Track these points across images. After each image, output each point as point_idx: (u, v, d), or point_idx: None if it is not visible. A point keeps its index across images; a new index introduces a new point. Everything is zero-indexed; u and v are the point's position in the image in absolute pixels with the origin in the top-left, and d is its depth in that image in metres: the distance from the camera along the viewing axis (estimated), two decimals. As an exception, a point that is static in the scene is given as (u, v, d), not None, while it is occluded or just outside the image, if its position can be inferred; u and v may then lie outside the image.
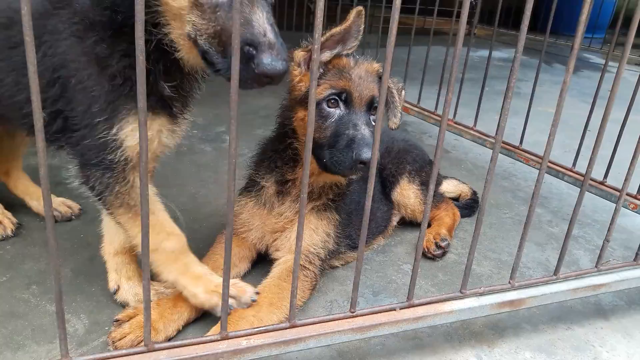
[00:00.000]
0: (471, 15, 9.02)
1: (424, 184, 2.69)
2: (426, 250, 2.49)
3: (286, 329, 1.61)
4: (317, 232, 2.13)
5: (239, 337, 1.56)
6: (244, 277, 2.20)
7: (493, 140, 3.37)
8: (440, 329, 2.01)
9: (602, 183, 2.87)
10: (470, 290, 1.84)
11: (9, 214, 2.39)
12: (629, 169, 1.99)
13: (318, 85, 1.91)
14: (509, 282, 1.89)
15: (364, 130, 1.85)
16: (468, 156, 3.84)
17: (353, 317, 1.69)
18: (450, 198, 3.01)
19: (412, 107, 4.06)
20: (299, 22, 6.95)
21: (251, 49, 1.34)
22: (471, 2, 7.53)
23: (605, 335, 2.06)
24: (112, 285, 1.99)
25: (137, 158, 1.61)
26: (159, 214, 1.76)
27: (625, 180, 1.99)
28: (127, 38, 1.50)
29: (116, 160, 1.61)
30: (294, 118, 2.01)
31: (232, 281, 1.96)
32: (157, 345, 1.50)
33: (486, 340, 1.97)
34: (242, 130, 3.82)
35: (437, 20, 4.03)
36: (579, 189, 1.96)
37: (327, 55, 1.94)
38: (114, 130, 1.57)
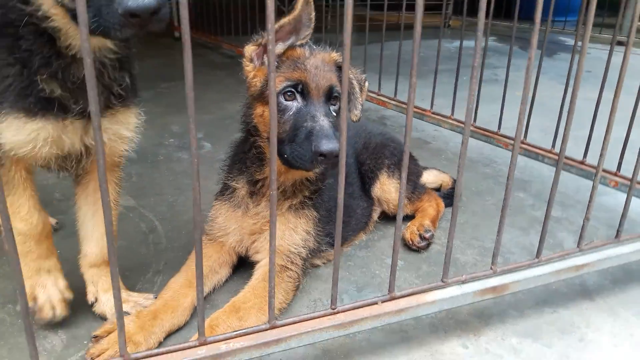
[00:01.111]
0: (445, 7, 9.06)
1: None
2: (410, 242, 2.47)
3: (266, 330, 1.58)
4: (297, 231, 2.10)
5: (218, 341, 1.53)
6: (227, 283, 2.17)
7: (469, 127, 3.37)
8: (425, 320, 1.99)
9: (582, 162, 2.87)
10: (452, 279, 1.82)
11: None
12: (603, 145, 1.98)
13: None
14: (491, 268, 1.87)
15: (323, 122, 1.81)
16: (449, 146, 3.82)
17: (334, 313, 1.66)
18: (432, 189, 3.00)
19: (389, 100, 4.04)
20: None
21: None
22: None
23: (591, 316, 2.04)
24: (89, 298, 1.96)
25: (9, 152, 1.56)
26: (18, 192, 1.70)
27: (600, 156, 1.97)
28: (6, 38, 1.47)
29: None
30: (253, 115, 1.97)
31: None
32: (133, 355, 1.46)
33: (472, 328, 1.95)
34: (219, 135, 3.80)
35: (408, 14, 4.05)
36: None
37: (280, 48, 1.90)
38: None
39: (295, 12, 1.83)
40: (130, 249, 2.38)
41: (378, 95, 4.14)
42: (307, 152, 1.77)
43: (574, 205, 2.94)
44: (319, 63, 1.91)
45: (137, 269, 2.24)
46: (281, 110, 1.86)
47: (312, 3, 1.83)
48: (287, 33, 1.88)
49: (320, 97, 1.87)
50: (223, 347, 1.53)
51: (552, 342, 1.90)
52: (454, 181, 3.06)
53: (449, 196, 2.94)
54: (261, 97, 1.91)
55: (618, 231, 2.09)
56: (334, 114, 1.90)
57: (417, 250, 2.45)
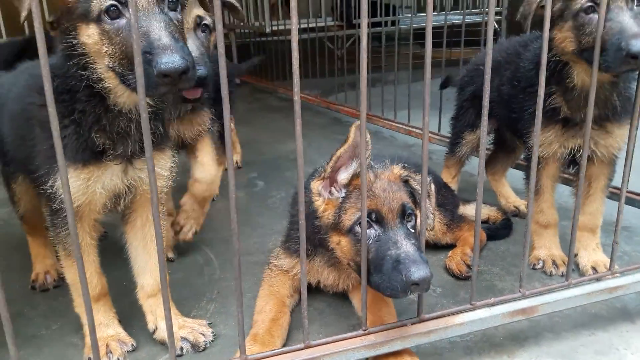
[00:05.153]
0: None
1: (441, 207, 2.77)
2: (458, 273, 2.56)
3: (301, 349, 1.73)
4: None
5: (257, 359, 1.69)
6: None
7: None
8: (460, 343, 2.07)
9: (617, 188, 2.85)
10: (481, 302, 1.91)
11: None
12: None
13: (345, 211, 1.92)
14: (519, 291, 1.94)
15: (407, 247, 1.78)
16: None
17: (365, 334, 1.79)
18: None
19: (433, 135, 4.15)
20: (331, 68, 7.20)
21: (148, 55, 1.49)
22: (496, 29, 7.51)
23: (631, 338, 2.06)
24: (150, 327, 2.17)
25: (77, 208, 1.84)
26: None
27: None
28: (63, 104, 1.76)
29: (57, 208, 1.87)
30: (330, 242, 2.01)
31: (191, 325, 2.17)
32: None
33: (506, 350, 2.01)
34: (272, 175, 4.05)
35: (465, 50, 4.38)
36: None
37: (344, 177, 1.94)
38: (50, 183, 1.83)
39: (350, 140, 1.86)
40: (186, 280, 2.61)
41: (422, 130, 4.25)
42: (398, 283, 1.72)
43: (620, 232, 2.91)
44: (385, 185, 1.93)
45: (192, 298, 2.45)
46: (359, 241, 1.83)
47: (366, 130, 1.79)
48: (347, 159, 1.93)
49: (395, 219, 1.86)
50: (263, 364, 1.69)
51: (587, 364, 1.93)
52: (504, 212, 3.17)
53: (505, 227, 3.03)
54: (336, 228, 1.94)
55: (653, 254, 2.11)
56: (412, 231, 1.90)
57: (465, 279, 2.52)
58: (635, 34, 1.88)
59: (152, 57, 1.49)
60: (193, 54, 1.79)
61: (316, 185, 2.00)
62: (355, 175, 1.92)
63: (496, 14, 8.95)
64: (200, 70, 1.98)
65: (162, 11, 1.62)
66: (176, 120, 2.65)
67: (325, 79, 7.01)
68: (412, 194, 2.00)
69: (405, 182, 2.01)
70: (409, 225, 1.89)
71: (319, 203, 1.99)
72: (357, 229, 1.86)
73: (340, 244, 1.95)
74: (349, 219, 1.90)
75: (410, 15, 8.49)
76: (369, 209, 1.82)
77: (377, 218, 1.84)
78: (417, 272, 1.68)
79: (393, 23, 7.76)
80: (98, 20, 1.63)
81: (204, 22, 2.40)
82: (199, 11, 2.37)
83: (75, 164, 1.80)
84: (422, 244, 1.82)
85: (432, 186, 2.10)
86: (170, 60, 1.48)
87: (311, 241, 2.11)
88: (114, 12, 1.61)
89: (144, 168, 1.92)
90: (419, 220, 1.92)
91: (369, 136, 1.83)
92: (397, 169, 2.03)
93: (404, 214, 1.88)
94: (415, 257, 1.74)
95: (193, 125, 2.74)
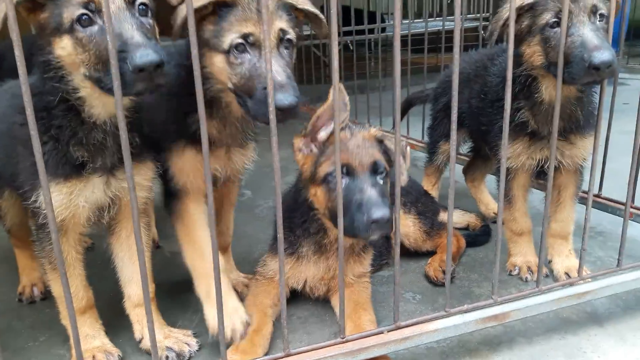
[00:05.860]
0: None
1: (421, 214, 2.86)
2: (435, 279, 2.64)
3: (281, 358, 1.80)
4: (363, 264, 2.44)
5: (238, 368, 1.76)
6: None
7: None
8: (437, 349, 2.14)
9: (597, 196, 2.96)
10: (455, 309, 1.98)
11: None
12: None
13: (320, 164, 2.10)
14: (492, 298, 2.02)
15: (370, 192, 1.96)
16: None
17: (343, 342, 1.86)
18: (459, 228, 3.16)
19: (417, 143, 4.25)
20: (317, 75, 7.27)
21: (123, 53, 1.53)
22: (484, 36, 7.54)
23: (599, 342, 2.14)
24: (137, 336, 2.22)
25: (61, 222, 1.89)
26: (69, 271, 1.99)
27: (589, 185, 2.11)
28: (41, 121, 1.79)
29: (42, 222, 1.92)
30: (308, 195, 2.19)
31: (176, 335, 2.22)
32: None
33: (480, 355, 2.09)
34: (259, 182, 4.11)
35: (446, 56, 4.43)
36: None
37: (323, 135, 2.12)
38: (33, 198, 1.89)
39: (329, 100, 2.00)
40: (172, 290, 2.66)
41: (407, 138, 4.35)
42: (360, 223, 1.92)
43: (594, 237, 3.02)
44: (360, 142, 2.09)
45: (178, 309, 2.51)
46: (332, 190, 2.03)
47: (344, 90, 1.98)
48: (326, 120, 2.09)
49: (365, 172, 2.03)
50: (244, 372, 1.75)
51: (556, 366, 2.02)
52: (483, 218, 3.26)
53: (485, 233, 3.12)
54: (313, 180, 2.14)
55: (619, 260, 2.21)
56: (381, 183, 2.06)
57: (443, 285, 2.59)
58: (596, 46, 1.98)
59: (126, 54, 1.54)
60: (279, 77, 1.76)
61: (297, 141, 2.18)
62: (333, 133, 2.08)
63: (485, 19, 9.07)
64: (290, 99, 1.74)
65: (134, 15, 1.68)
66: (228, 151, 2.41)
67: (312, 86, 7.09)
68: (387, 153, 2.15)
69: (380, 142, 2.17)
70: (379, 177, 2.06)
71: (299, 158, 2.19)
72: (330, 178, 2.06)
73: (317, 195, 2.14)
74: (323, 170, 2.09)
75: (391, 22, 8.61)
76: (342, 162, 1.92)
77: (348, 170, 2.02)
78: (377, 211, 1.89)
79: (382, 30, 7.86)
80: (71, 30, 1.68)
81: (287, 36, 1.93)
82: (281, 24, 1.92)
83: (57, 178, 1.86)
84: (397, 201, 1.87)
85: (408, 149, 2.30)
86: (144, 54, 1.54)
87: (294, 232, 2.32)
88: (85, 21, 1.67)
89: (124, 179, 1.98)
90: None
91: (347, 98, 2.01)
92: (374, 130, 2.19)
93: (376, 170, 2.06)
94: (377, 200, 1.94)
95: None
